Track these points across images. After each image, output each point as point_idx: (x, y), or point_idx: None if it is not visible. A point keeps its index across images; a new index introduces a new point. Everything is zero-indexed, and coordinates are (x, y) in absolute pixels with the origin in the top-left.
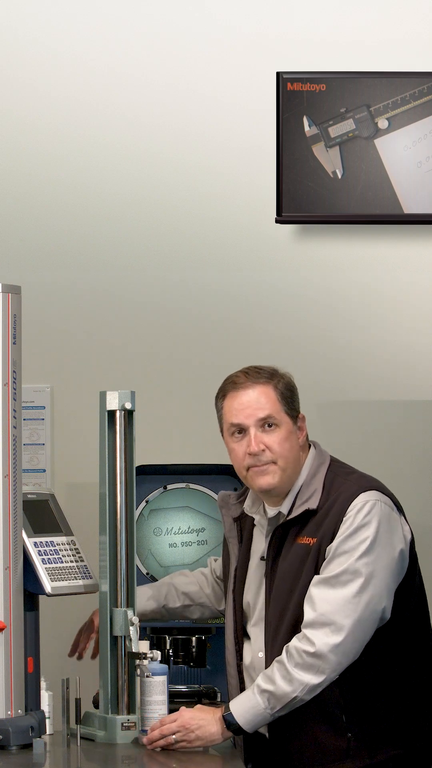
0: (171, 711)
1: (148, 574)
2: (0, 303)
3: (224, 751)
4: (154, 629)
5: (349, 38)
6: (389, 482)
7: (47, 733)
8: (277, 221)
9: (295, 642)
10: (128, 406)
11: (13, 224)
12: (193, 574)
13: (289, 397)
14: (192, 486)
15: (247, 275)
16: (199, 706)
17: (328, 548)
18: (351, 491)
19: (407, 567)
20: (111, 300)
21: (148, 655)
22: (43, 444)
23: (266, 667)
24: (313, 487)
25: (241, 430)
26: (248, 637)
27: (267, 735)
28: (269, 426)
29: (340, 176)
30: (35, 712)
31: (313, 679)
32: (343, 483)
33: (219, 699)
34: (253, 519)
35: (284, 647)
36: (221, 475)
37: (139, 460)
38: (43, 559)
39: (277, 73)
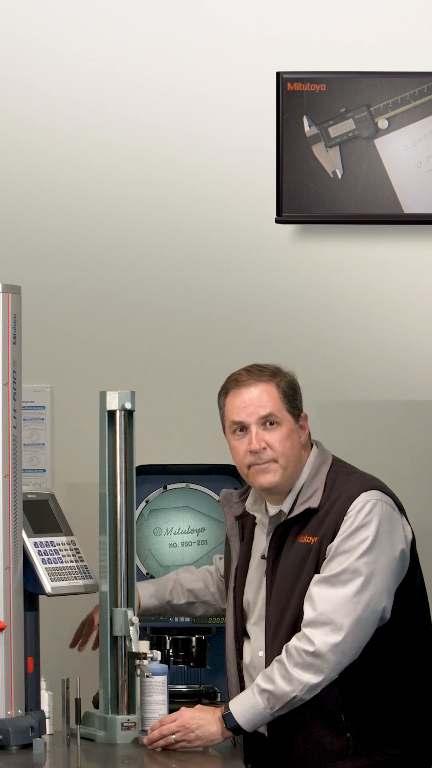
0: (171, 711)
1: (148, 574)
2: (0, 303)
3: (224, 751)
4: (154, 629)
5: (349, 38)
6: (389, 482)
7: (47, 733)
8: (277, 221)
9: (294, 641)
10: (128, 406)
11: (13, 224)
12: (199, 571)
13: (291, 395)
14: (192, 486)
15: (247, 275)
16: (198, 706)
17: (328, 547)
18: (352, 491)
19: (408, 567)
20: (111, 300)
21: (148, 655)
22: (43, 444)
23: (266, 666)
24: (315, 486)
25: (243, 427)
26: (248, 636)
27: (266, 734)
28: (271, 424)
29: (340, 176)
30: (35, 712)
31: (313, 678)
32: (345, 482)
33: (219, 699)
34: (255, 517)
35: (284, 646)
36: (221, 475)
37: (139, 460)
38: (43, 559)
39: (277, 73)
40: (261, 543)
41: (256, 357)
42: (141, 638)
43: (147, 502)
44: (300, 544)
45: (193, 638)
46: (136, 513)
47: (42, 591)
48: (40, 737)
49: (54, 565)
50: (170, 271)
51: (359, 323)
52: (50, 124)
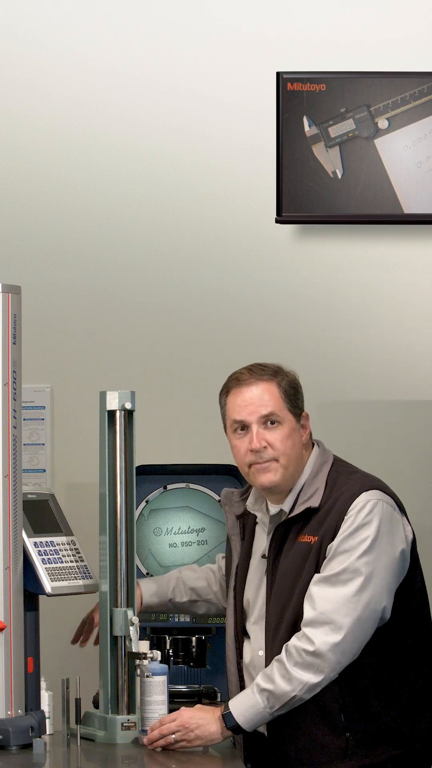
0: (171, 711)
1: (148, 574)
2: (0, 303)
3: (224, 751)
4: (154, 629)
5: (349, 38)
6: (389, 482)
7: (47, 733)
8: (277, 221)
9: (294, 641)
10: (128, 406)
11: (13, 224)
12: (202, 569)
13: (292, 394)
14: (192, 486)
15: (247, 275)
16: (198, 705)
17: (329, 547)
18: (353, 490)
19: (408, 567)
20: (111, 300)
21: (148, 655)
22: (43, 444)
23: (266, 666)
24: (316, 486)
25: (244, 426)
26: (248, 636)
27: (266, 734)
28: (272, 423)
29: (340, 176)
30: (35, 712)
31: (313, 678)
32: (346, 482)
33: (219, 699)
34: (256, 517)
35: (284, 646)
36: (221, 475)
37: (139, 460)
38: (43, 559)
39: (277, 73)
40: (262, 542)
41: (256, 357)
42: (141, 638)
43: (147, 502)
44: (300, 543)
45: (193, 638)
46: (136, 513)
47: (42, 591)
48: (40, 737)
49: (54, 565)
50: (170, 271)
51: (359, 323)
52: (50, 124)
